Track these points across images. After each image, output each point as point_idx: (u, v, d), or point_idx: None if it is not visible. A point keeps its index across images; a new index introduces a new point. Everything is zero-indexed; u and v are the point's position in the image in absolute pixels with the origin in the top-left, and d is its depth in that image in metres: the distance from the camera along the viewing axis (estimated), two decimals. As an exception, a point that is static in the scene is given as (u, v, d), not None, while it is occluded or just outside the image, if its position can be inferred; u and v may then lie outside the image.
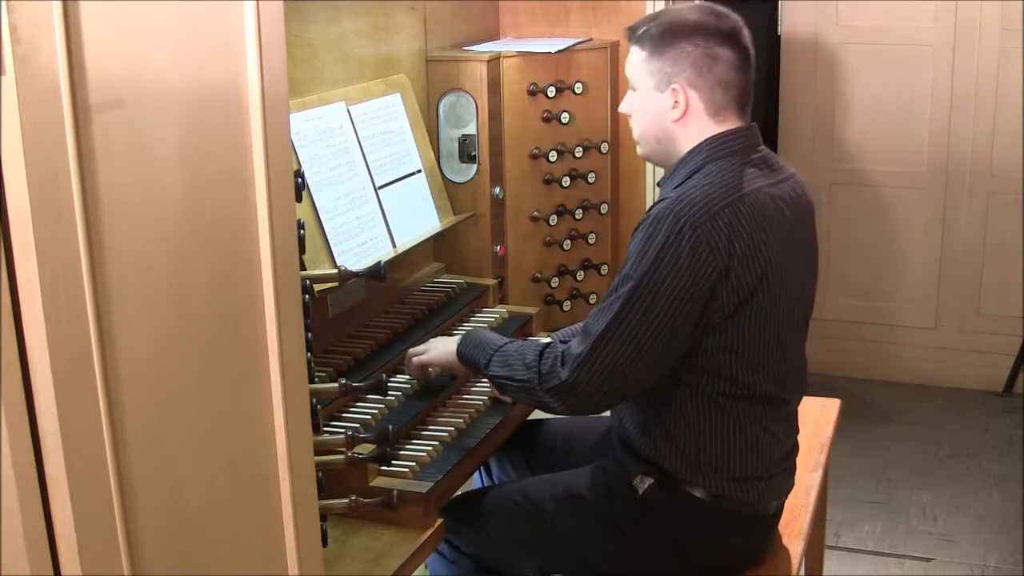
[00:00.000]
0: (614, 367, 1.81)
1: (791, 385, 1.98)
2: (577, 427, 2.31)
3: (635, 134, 2.02)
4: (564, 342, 1.93)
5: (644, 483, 1.95)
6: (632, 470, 1.97)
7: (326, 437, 1.80)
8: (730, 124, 1.92)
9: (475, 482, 2.39)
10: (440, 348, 2.11)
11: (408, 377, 2.15)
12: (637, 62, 1.95)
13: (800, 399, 2.06)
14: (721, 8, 1.93)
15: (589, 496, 2.01)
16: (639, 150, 2.03)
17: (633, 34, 1.96)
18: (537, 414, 2.20)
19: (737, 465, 1.91)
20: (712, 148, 1.90)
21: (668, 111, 1.92)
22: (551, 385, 1.85)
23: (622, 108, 2.04)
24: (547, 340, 1.93)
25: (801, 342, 2.01)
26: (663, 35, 1.90)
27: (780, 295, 1.87)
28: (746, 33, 1.93)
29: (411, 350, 2.17)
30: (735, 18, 1.93)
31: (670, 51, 1.89)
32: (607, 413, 2.05)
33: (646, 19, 1.96)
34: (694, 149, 1.91)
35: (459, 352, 2.05)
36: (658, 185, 2.00)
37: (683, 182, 1.89)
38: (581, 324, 1.94)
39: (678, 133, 1.93)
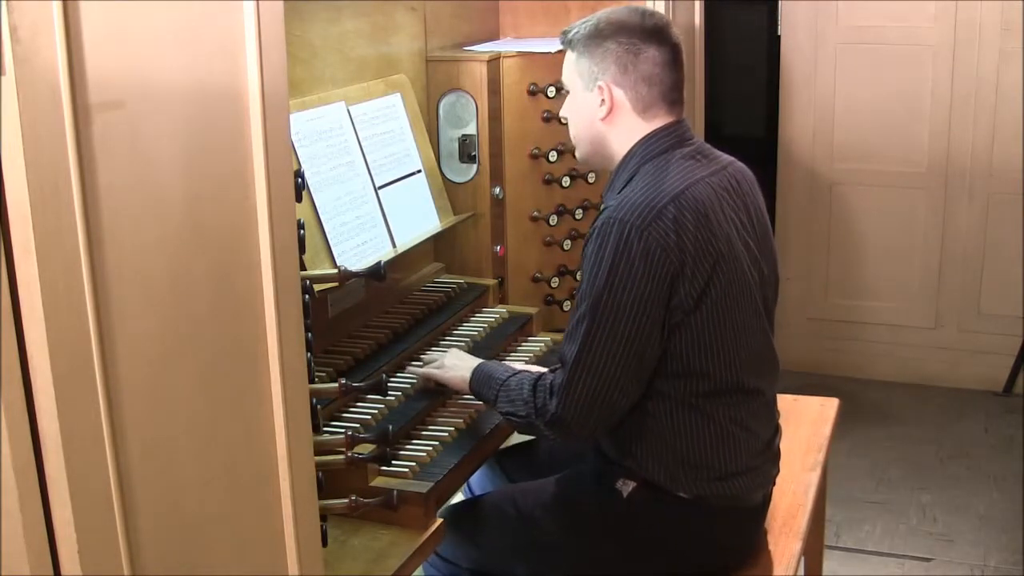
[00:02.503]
0: (596, 388, 1.81)
1: (761, 372, 1.97)
2: None
3: (571, 135, 2.06)
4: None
5: (628, 486, 1.95)
6: (615, 473, 1.97)
7: (326, 437, 1.80)
8: (659, 121, 1.95)
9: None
10: (456, 375, 2.08)
11: (408, 377, 2.15)
12: (568, 64, 2.01)
13: (774, 387, 2.04)
14: (649, 8, 1.99)
15: (575, 501, 2.01)
16: (576, 154, 2.08)
17: (565, 37, 2.01)
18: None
19: (717, 464, 1.91)
20: (645, 149, 1.93)
21: (596, 109, 1.95)
22: (546, 419, 1.86)
23: (561, 112, 2.09)
24: (543, 370, 1.94)
25: (766, 327, 2.00)
26: (590, 36, 1.95)
27: (736, 283, 1.87)
28: (674, 31, 1.96)
29: (426, 357, 2.19)
30: (661, 16, 1.98)
31: (596, 50, 1.94)
32: None
33: (578, 23, 2.00)
34: (627, 154, 1.94)
35: (471, 388, 2.05)
36: (602, 197, 2.02)
37: (622, 189, 1.91)
38: None
39: (608, 133, 1.96)
